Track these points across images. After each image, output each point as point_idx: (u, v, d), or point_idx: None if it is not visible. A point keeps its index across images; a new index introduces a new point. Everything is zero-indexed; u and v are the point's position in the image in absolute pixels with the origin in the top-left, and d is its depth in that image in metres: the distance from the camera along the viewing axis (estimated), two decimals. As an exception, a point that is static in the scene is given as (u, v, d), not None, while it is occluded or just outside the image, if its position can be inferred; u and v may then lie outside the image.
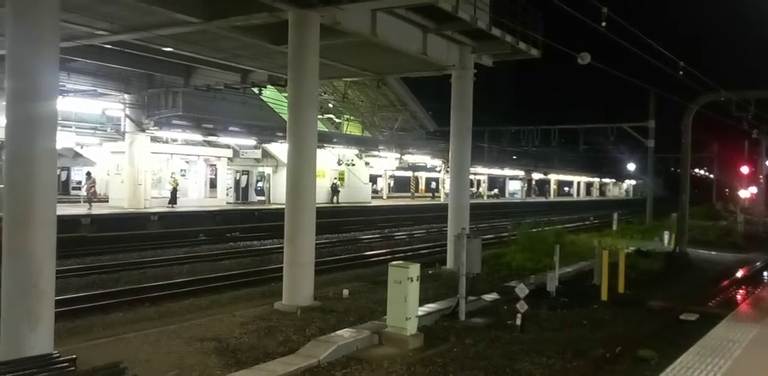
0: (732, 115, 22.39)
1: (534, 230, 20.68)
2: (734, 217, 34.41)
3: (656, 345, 9.45)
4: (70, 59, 19.13)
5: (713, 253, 22.96)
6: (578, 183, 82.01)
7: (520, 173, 61.49)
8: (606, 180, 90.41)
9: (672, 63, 16.46)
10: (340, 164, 37.99)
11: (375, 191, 50.10)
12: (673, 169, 54.29)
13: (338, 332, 9.23)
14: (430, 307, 11.08)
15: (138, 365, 7.78)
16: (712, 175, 64.25)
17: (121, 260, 18.06)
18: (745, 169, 43.42)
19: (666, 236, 22.79)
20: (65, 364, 6.08)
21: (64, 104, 23.02)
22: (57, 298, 8.41)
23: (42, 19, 7.98)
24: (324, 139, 32.15)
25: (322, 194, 32.67)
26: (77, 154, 35.42)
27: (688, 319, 11.59)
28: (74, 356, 6.27)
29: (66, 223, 19.37)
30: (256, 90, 25.50)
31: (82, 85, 23.59)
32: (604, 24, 11.74)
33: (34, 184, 7.82)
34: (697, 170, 68.57)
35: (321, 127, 38.04)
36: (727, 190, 63.73)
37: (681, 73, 16.97)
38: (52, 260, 7.98)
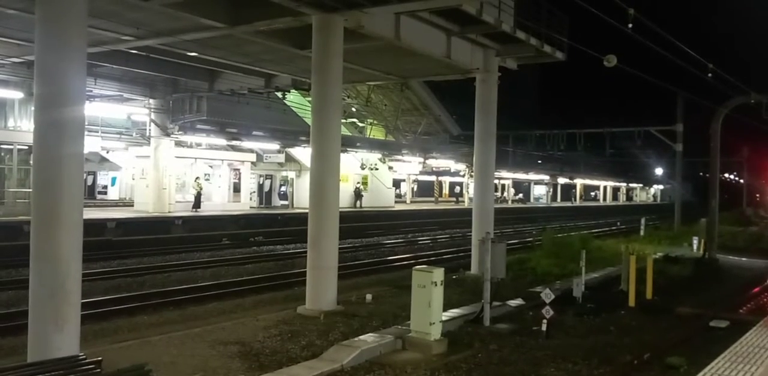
0: (763, 119, 21.94)
1: (559, 235, 20.45)
2: (765, 222, 33.78)
3: (685, 352, 9.25)
4: (97, 64, 19.42)
5: (743, 259, 22.49)
6: (604, 188, 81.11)
7: (546, 178, 60.94)
8: (633, 185, 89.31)
9: (701, 65, 16.22)
10: (363, 169, 37.96)
11: (398, 196, 50.05)
12: (702, 173, 53.38)
13: (361, 337, 9.19)
14: (455, 312, 11.00)
15: (163, 367, 7.81)
16: (742, 180, 63.11)
17: (146, 264, 18.24)
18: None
19: (695, 241, 22.39)
20: (91, 366, 6.09)
21: (90, 109, 23.28)
22: (83, 300, 8.51)
23: (70, 25, 8.08)
24: (347, 144, 32.16)
25: (345, 199, 32.72)
26: (103, 159, 35.94)
27: (718, 326, 11.34)
28: (100, 358, 6.29)
29: (92, 227, 19.62)
30: (280, 94, 25.65)
31: (109, 90, 23.89)
32: (630, 26, 11.59)
33: (61, 187, 7.91)
34: (726, 175, 67.36)
35: (344, 131, 38.07)
36: (757, 195, 62.56)
37: (710, 75, 16.72)
38: (78, 262, 8.06)
